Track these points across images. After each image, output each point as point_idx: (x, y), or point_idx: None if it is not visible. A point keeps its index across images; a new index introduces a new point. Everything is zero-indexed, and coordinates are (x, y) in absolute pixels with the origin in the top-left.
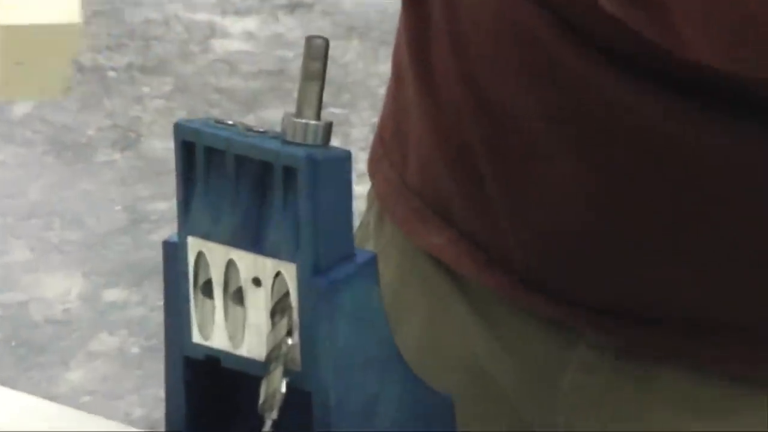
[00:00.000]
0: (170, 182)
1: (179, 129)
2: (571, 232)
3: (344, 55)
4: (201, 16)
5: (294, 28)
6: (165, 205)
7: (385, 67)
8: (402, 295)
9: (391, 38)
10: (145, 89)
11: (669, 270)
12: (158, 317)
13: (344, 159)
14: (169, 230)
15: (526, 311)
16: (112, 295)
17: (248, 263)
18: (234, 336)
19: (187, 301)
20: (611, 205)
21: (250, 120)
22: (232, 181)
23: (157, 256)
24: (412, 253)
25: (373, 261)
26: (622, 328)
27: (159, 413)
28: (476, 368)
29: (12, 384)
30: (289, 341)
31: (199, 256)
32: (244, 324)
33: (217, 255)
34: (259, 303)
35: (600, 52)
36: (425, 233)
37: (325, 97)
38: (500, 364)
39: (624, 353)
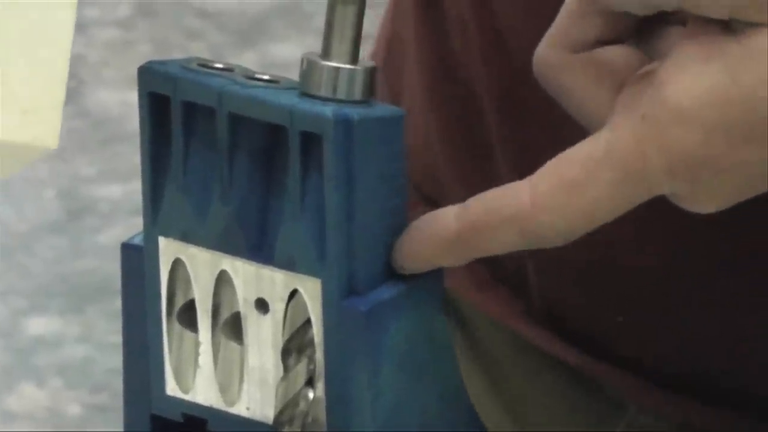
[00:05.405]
0: (128, 154)
1: (145, 75)
2: (606, 247)
3: None
4: None
5: None
6: (119, 188)
7: None
8: None
9: None
10: (90, 12)
11: (742, 324)
12: (110, 360)
13: (394, 121)
14: (127, 228)
15: (548, 361)
16: (39, 326)
17: (249, 278)
18: (227, 386)
19: (158, 334)
20: (660, 214)
21: (250, 60)
22: (225, 153)
23: (108, 266)
24: None
25: (437, 276)
26: (674, 402)
27: None
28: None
29: None
30: (310, 394)
31: (176, 266)
32: (242, 369)
33: (202, 266)
34: (264, 337)
35: None
36: None
37: (367, 27)
38: (503, 425)
39: None
